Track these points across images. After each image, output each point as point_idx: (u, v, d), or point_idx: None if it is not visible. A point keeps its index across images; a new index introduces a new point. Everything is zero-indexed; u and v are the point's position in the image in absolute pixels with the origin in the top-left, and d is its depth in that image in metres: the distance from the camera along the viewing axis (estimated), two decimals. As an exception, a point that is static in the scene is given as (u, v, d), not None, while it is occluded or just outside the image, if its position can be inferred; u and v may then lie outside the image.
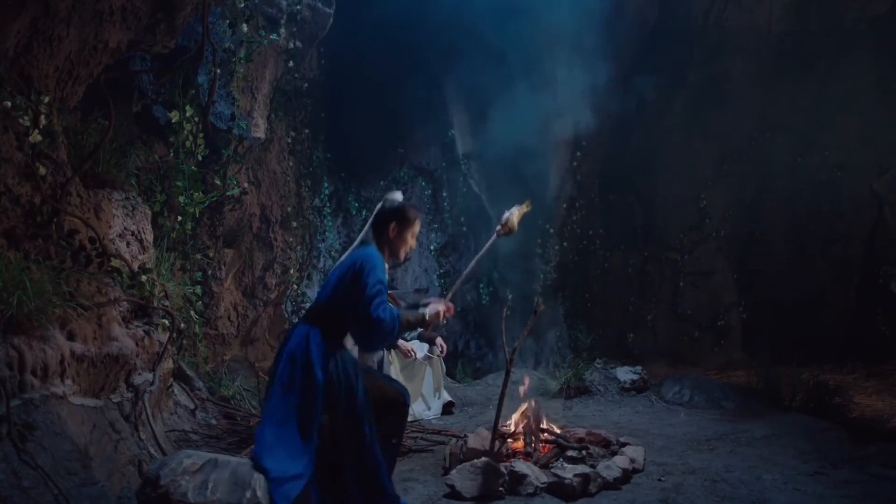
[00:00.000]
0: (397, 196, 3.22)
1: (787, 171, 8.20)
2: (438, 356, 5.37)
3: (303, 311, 6.87)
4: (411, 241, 3.13)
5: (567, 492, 3.28)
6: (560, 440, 3.76)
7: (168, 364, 3.73)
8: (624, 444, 3.81)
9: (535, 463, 3.54)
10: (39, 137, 3.07)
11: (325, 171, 8.02)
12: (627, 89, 8.05)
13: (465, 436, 3.72)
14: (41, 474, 2.67)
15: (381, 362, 4.96)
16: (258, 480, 2.67)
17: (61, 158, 3.69)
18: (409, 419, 4.97)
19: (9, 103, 2.91)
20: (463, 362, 8.40)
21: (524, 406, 3.95)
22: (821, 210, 8.18)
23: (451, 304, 3.05)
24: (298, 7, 5.60)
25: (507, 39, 7.45)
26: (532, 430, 3.76)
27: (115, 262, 3.38)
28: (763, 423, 4.50)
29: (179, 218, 4.36)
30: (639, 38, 7.87)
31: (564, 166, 7.73)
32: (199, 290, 4.55)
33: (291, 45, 5.65)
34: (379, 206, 3.15)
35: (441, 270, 8.37)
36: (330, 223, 8.10)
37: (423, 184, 8.67)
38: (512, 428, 3.88)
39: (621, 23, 7.69)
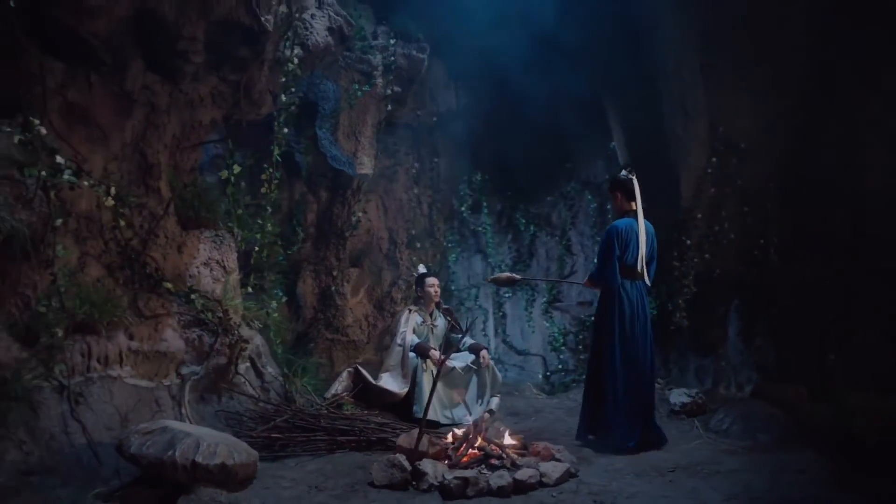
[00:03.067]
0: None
1: None
2: (483, 366, 5.76)
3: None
4: None
5: (446, 492, 3.63)
6: (487, 450, 4.02)
7: (219, 360, 4.97)
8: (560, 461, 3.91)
9: (452, 466, 3.91)
10: (112, 202, 4.50)
11: (485, 192, 8.72)
12: (807, 79, 7.13)
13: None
14: (80, 426, 4.04)
15: (415, 370, 5.59)
16: (182, 444, 3.65)
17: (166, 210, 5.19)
18: (448, 422, 5.51)
19: (86, 183, 4.36)
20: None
21: (484, 420, 4.28)
22: None
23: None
24: (393, 58, 6.50)
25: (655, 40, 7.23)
26: (465, 439, 4.10)
27: (168, 285, 4.73)
28: (750, 459, 4.00)
29: (256, 248, 5.63)
30: (812, 13, 6.81)
31: (714, 173, 7.21)
32: (274, 304, 5.75)
33: (389, 91, 6.58)
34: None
35: (605, 282, 8.39)
36: (491, 240, 8.77)
37: (590, 197, 8.81)
38: (450, 436, 4.27)
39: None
